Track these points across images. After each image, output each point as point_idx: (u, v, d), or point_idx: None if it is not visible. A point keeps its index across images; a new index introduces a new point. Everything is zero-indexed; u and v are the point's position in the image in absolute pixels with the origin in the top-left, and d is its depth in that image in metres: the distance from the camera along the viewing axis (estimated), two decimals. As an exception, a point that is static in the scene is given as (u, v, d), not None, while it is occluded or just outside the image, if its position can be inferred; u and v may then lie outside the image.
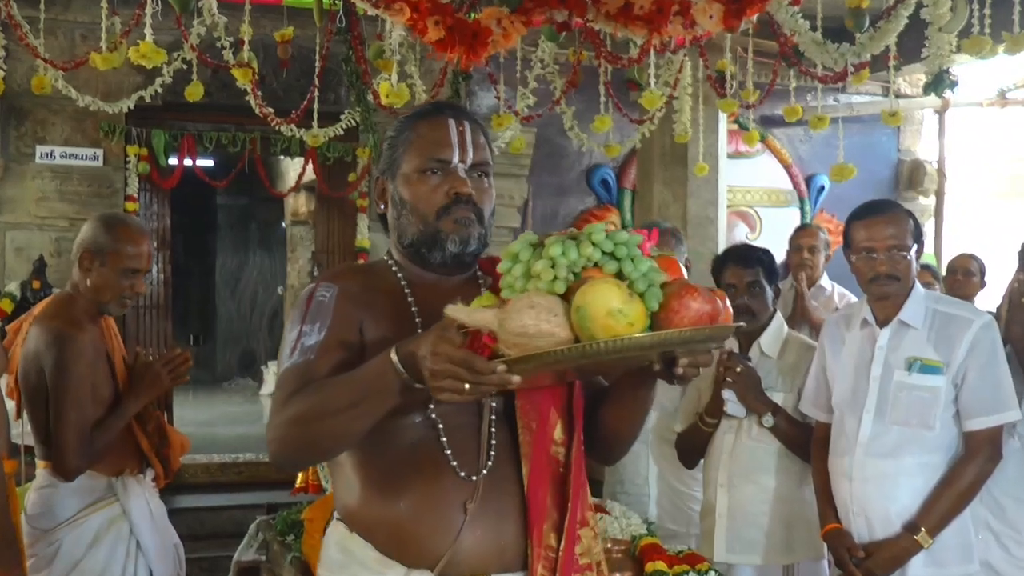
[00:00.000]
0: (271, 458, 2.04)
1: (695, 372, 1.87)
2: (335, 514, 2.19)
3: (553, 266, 1.79)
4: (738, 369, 3.75)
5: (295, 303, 2.17)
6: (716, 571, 3.28)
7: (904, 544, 3.34)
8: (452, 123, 2.17)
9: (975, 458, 3.35)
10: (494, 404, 2.09)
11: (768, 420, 3.75)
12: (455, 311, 1.74)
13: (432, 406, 2.05)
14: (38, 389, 3.45)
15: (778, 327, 3.94)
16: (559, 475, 2.10)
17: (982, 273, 6.30)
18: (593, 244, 1.81)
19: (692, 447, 4.03)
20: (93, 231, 3.56)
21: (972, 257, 6.35)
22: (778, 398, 3.80)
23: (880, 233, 3.40)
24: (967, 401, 3.36)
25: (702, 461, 4.03)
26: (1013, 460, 3.61)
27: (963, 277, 6.24)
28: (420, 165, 2.15)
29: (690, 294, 1.76)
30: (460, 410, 2.05)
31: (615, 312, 1.69)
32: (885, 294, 3.44)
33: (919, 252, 3.48)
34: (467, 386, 1.73)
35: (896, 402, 3.40)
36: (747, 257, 3.93)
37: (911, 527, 3.34)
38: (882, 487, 3.39)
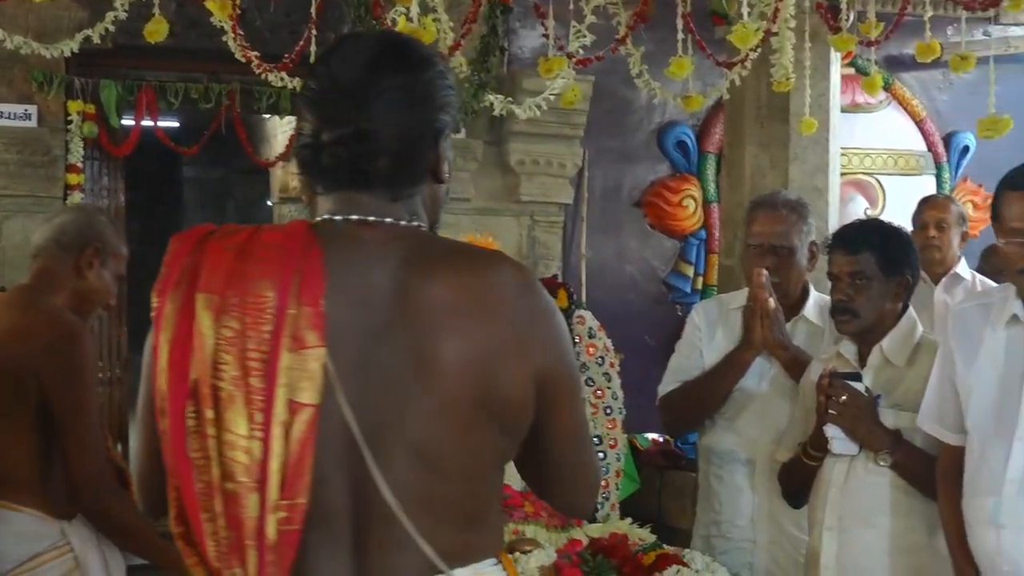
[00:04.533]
0: None
1: None
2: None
3: None
4: (842, 399, 3.73)
5: None
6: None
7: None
8: None
9: None
10: None
11: (885, 459, 3.74)
12: None
13: None
14: (18, 400, 3.47)
15: (908, 328, 3.93)
16: None
17: None
18: None
19: (796, 482, 4.03)
20: (99, 224, 3.68)
21: None
22: (905, 419, 3.77)
23: None
24: None
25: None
26: None
27: None
28: None
29: None
30: None
31: None
32: None
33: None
34: None
35: None
36: (852, 240, 3.91)
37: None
38: (1043, 539, 3.34)
